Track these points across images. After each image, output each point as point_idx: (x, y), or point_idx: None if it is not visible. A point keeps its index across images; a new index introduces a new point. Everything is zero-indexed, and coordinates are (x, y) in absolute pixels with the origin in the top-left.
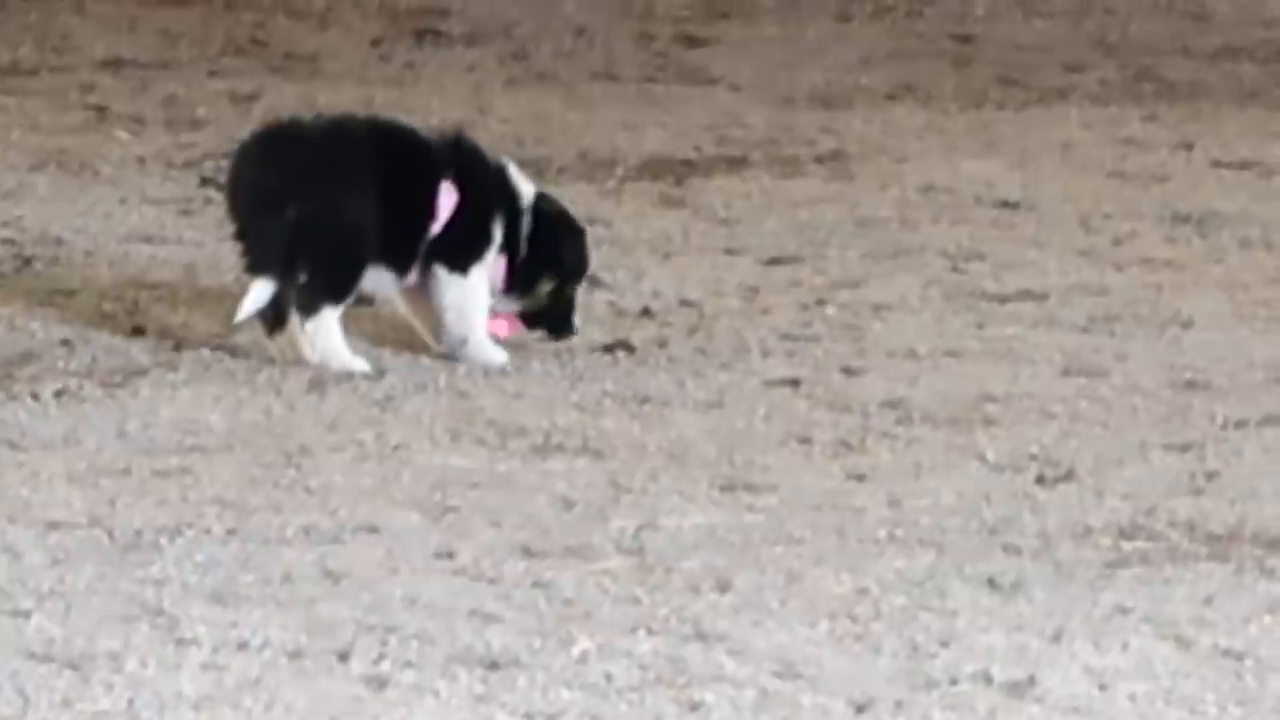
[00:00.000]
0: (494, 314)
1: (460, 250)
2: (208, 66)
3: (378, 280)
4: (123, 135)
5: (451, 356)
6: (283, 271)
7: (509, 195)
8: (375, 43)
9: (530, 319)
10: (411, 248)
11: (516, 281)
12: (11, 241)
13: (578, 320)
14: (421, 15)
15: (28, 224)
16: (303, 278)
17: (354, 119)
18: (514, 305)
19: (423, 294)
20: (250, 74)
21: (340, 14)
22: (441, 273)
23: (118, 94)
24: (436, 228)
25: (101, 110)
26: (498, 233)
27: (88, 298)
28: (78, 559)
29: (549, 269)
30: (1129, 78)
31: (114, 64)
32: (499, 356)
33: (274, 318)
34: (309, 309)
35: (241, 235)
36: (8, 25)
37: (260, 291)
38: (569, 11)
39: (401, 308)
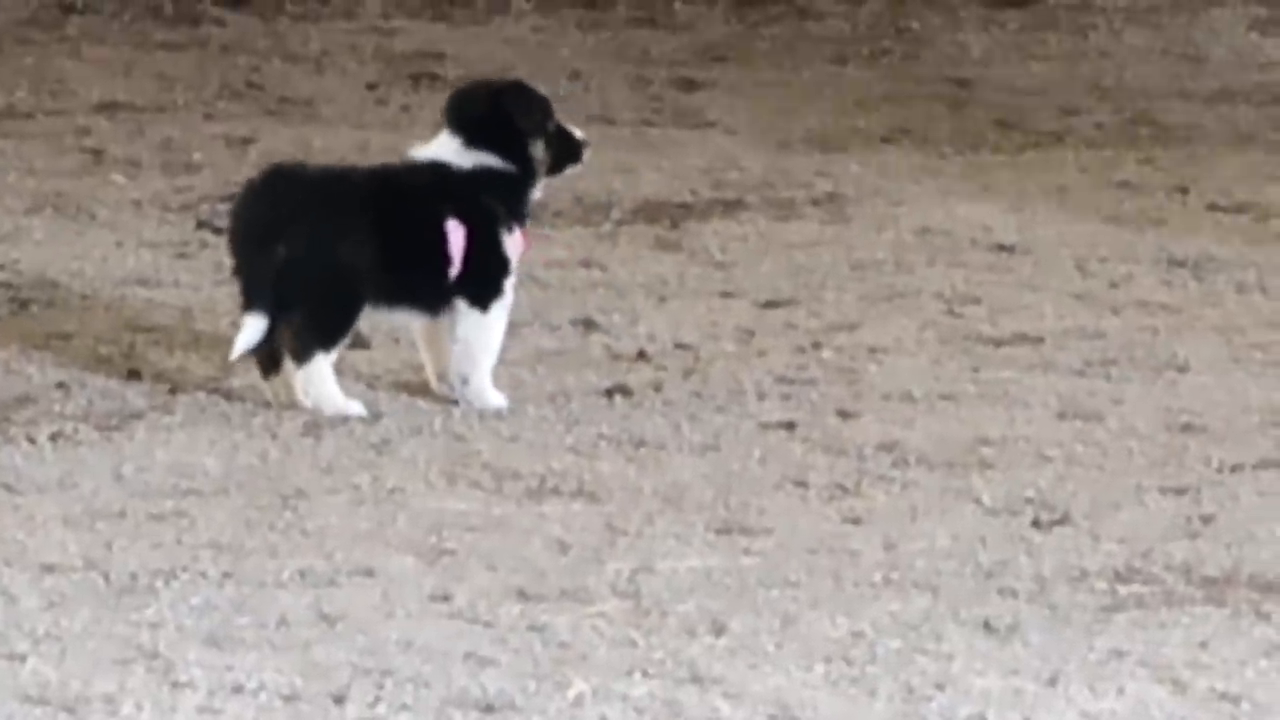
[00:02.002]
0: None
1: (487, 281)
2: (203, 110)
3: (404, 320)
4: (119, 179)
5: (449, 397)
6: (275, 308)
7: (488, 181)
8: (371, 86)
9: (552, 171)
10: (436, 288)
11: (519, 202)
12: (8, 285)
13: (579, 134)
14: (417, 59)
15: (24, 267)
16: (295, 321)
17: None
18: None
19: (440, 330)
20: (246, 118)
21: (336, 58)
22: (463, 306)
23: (114, 137)
24: (455, 268)
25: (98, 154)
26: (502, 243)
27: (84, 341)
28: (73, 602)
29: (531, 138)
30: (1125, 121)
31: (110, 107)
32: (497, 400)
33: (269, 360)
34: (302, 355)
35: (241, 274)
36: (3, 69)
37: (253, 327)
38: (564, 55)
39: (417, 339)
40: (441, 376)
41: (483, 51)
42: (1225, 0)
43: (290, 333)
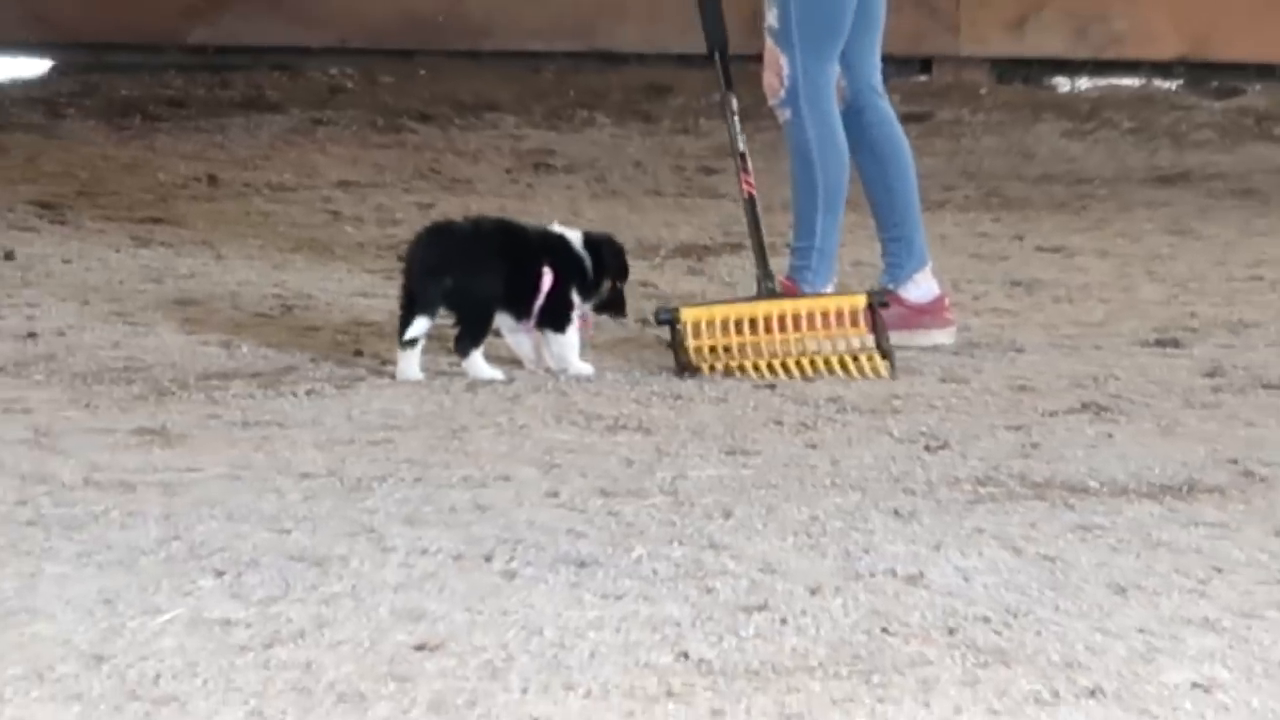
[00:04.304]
0: (581, 318)
1: (558, 317)
2: (403, 186)
3: (507, 323)
4: (349, 229)
5: (554, 372)
6: (435, 314)
7: (577, 262)
8: (508, 171)
9: (598, 309)
10: (528, 307)
11: (588, 288)
12: (279, 296)
13: (628, 308)
14: (538, 154)
15: (289, 285)
16: (456, 331)
17: (489, 219)
18: (590, 304)
19: (534, 334)
20: (429, 191)
21: (486, 153)
22: (550, 332)
23: (346, 203)
24: (541, 299)
25: (335, 214)
26: (575, 296)
27: (326, 332)
28: (320, 496)
29: (607, 275)
30: (983, 194)
31: (344, 184)
32: (586, 370)
33: (411, 345)
34: (463, 353)
35: (412, 292)
36: (277, 159)
37: (420, 325)
38: (630, 151)
39: (521, 338)
40: (538, 361)
41: (579, 150)
42: (1044, 117)
43: (455, 339)
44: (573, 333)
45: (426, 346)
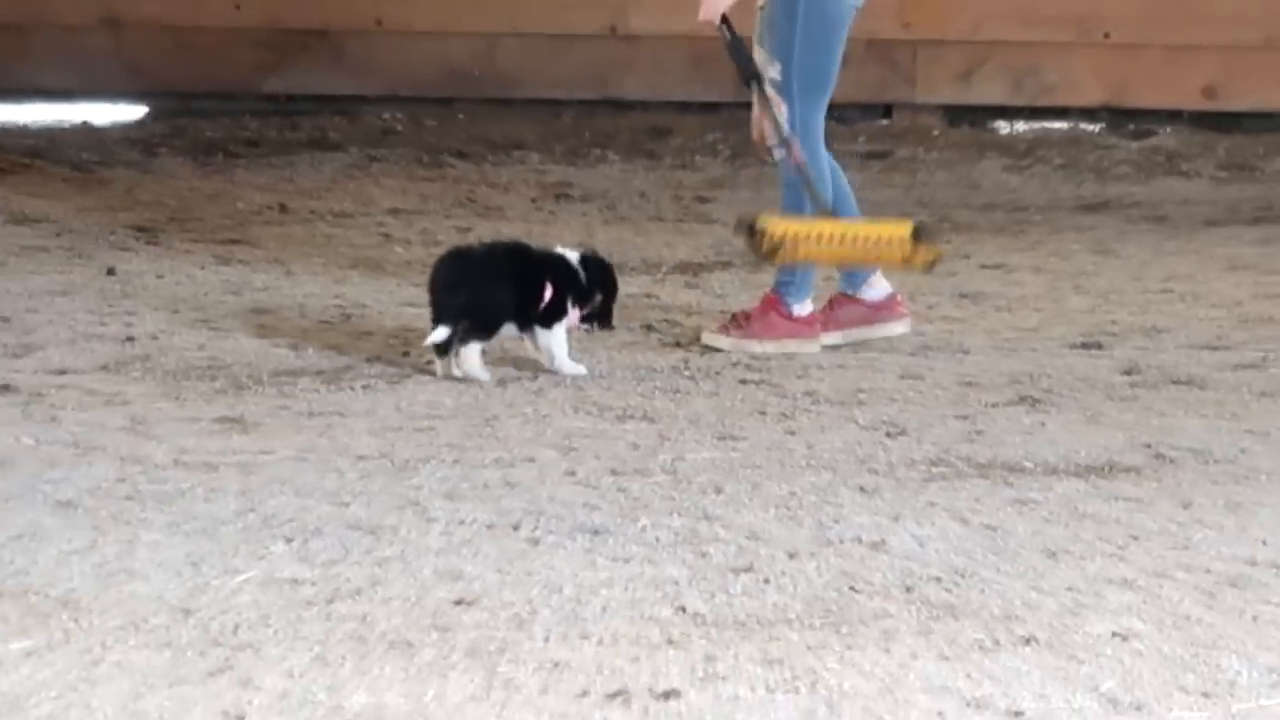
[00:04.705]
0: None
1: (552, 318)
2: (444, 213)
3: (511, 330)
4: (399, 250)
5: (555, 371)
6: (454, 324)
7: (574, 276)
8: (533, 200)
9: (586, 319)
10: (530, 316)
11: (582, 298)
12: (340, 306)
13: (614, 320)
14: (558, 186)
15: (348, 296)
16: (464, 325)
17: (501, 243)
18: (582, 312)
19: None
20: (466, 217)
21: (514, 185)
22: (540, 329)
23: (396, 227)
24: (542, 306)
25: (387, 236)
26: (569, 303)
27: (380, 337)
28: (374, 475)
29: (598, 289)
30: (936, 220)
31: (395, 211)
32: (578, 369)
33: (442, 350)
34: (464, 340)
35: (435, 305)
36: (337, 191)
37: (442, 331)
38: (636, 184)
39: (526, 343)
40: (545, 360)
41: (593, 183)
42: (988, 155)
43: (461, 331)
44: (561, 332)
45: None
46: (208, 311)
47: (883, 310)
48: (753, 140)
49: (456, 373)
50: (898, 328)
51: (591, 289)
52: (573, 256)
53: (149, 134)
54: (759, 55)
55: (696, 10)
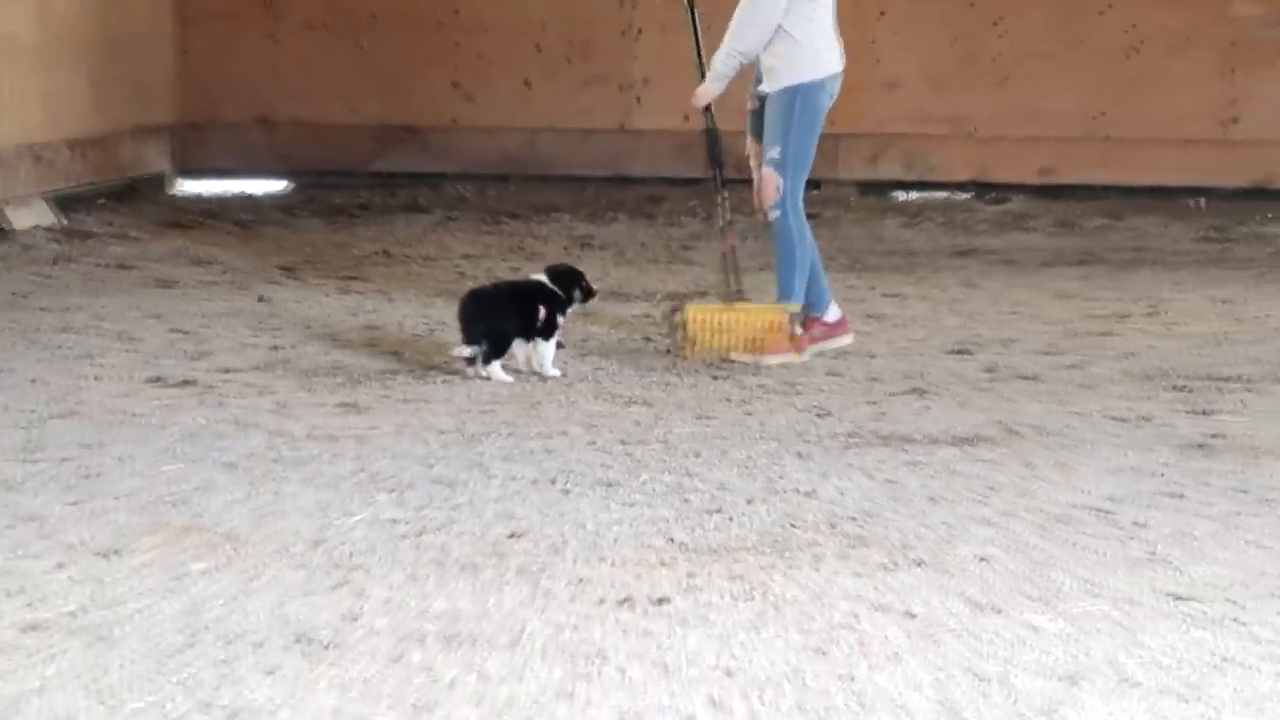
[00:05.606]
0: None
1: (549, 333)
2: (501, 258)
3: (520, 344)
4: (470, 284)
5: (540, 373)
6: (477, 344)
7: (554, 296)
8: (565, 248)
9: (582, 301)
10: (530, 333)
11: (563, 304)
12: (428, 324)
13: (594, 288)
14: (584, 238)
15: (433, 318)
16: (484, 347)
17: (506, 283)
18: (572, 310)
19: (526, 348)
20: (517, 260)
21: (552, 238)
22: (541, 341)
23: (468, 268)
24: (538, 324)
25: (461, 274)
26: (558, 321)
27: (455, 348)
28: (451, 444)
29: (571, 290)
30: (850, 263)
31: (466, 256)
32: (554, 372)
33: (470, 363)
34: (487, 361)
35: (463, 330)
36: (425, 242)
37: (468, 350)
38: (639, 236)
39: (519, 353)
40: (531, 365)
41: (608, 236)
42: (889, 216)
43: (483, 353)
44: (553, 344)
45: (510, 366)
46: (333, 328)
47: (838, 328)
48: (754, 207)
49: (483, 374)
50: (846, 340)
51: (570, 292)
52: (545, 279)
53: (291, 201)
54: (752, 145)
55: (684, 112)
